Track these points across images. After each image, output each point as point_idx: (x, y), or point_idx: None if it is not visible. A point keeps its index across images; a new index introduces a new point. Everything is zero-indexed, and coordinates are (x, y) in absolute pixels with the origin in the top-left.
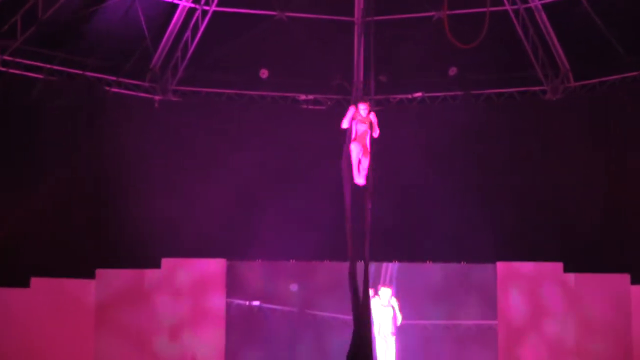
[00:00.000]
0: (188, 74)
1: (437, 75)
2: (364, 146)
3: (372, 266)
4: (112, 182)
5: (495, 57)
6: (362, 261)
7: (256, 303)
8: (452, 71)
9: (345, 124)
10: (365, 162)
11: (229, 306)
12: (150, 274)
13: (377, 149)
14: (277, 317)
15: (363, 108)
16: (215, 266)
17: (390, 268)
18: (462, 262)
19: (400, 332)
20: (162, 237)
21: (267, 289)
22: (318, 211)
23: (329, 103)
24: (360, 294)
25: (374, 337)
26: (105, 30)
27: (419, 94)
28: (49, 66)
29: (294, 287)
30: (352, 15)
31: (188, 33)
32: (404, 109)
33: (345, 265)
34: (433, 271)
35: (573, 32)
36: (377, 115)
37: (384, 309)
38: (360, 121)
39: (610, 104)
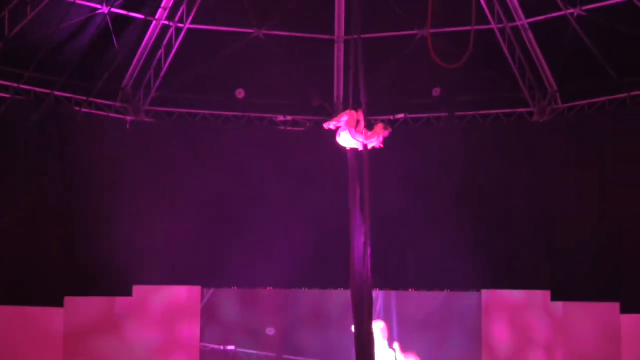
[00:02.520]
0: (161, 93)
1: (420, 96)
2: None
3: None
4: (82, 206)
5: (480, 77)
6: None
7: (231, 347)
8: (436, 92)
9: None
10: None
11: (203, 351)
12: (121, 301)
13: None
14: None
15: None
16: (189, 293)
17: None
18: (446, 290)
19: None
20: (133, 263)
21: (242, 331)
22: (296, 236)
23: (308, 125)
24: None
25: None
26: (75, 48)
27: (401, 115)
28: (15, 85)
29: (270, 331)
30: (332, 33)
31: (161, 51)
32: None
33: (326, 294)
34: (414, 300)
35: (560, 52)
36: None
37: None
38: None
39: (599, 126)
